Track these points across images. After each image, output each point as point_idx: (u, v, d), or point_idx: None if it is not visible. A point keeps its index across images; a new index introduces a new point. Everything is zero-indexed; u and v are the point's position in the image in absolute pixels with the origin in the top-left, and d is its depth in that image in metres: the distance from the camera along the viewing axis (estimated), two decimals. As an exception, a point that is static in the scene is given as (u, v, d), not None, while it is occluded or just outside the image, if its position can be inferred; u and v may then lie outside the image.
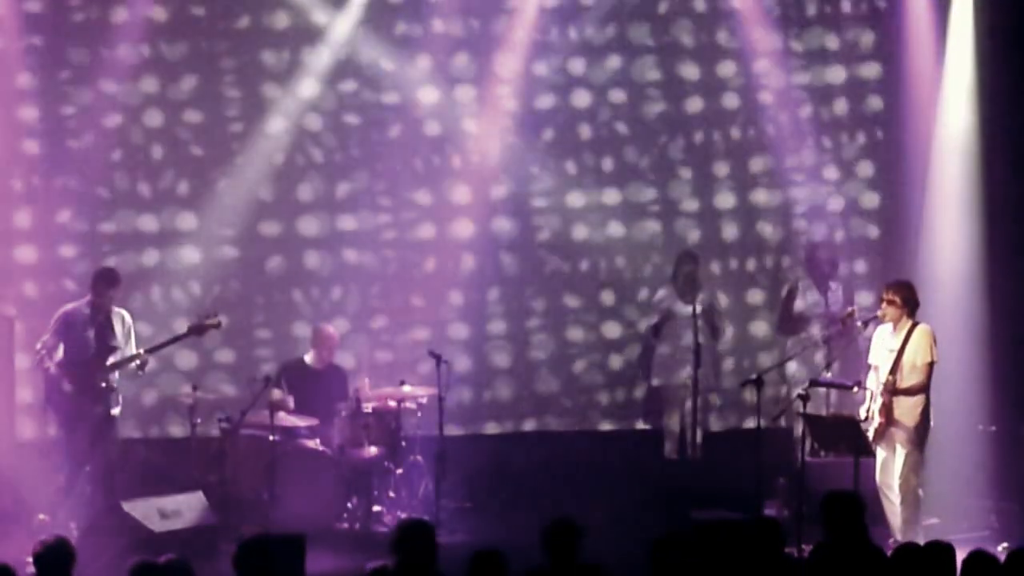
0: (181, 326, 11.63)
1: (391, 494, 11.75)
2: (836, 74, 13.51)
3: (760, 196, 13.47)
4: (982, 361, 12.30)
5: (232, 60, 12.80)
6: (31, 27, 12.41)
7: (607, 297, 13.37)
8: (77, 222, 12.54)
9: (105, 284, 11.19)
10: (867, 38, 13.51)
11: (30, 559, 7.12)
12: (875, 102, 13.54)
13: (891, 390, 10.44)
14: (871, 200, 13.55)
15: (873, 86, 13.53)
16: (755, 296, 13.48)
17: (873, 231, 13.55)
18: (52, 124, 12.50)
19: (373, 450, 11.72)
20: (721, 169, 13.46)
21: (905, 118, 13.19)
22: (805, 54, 13.50)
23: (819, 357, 11.93)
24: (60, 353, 11.13)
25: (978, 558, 6.94)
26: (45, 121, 12.51)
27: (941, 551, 6.98)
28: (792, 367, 12.10)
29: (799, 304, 12.31)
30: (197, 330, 11.36)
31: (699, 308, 12.20)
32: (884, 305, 10.66)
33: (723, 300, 13.03)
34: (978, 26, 12.74)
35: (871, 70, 13.54)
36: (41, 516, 10.96)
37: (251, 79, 12.82)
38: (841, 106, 13.53)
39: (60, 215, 12.52)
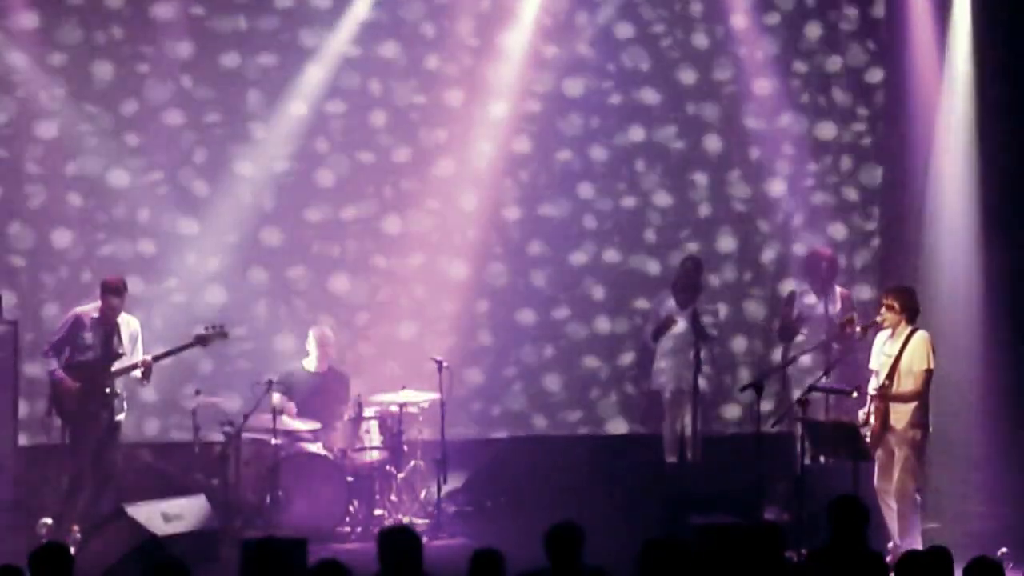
0: (186, 334, 11.66)
1: (393, 498, 11.81)
2: (836, 74, 13.60)
3: (759, 199, 13.53)
4: (984, 364, 12.34)
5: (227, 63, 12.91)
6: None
7: (606, 300, 13.40)
8: (81, 231, 12.61)
9: (112, 292, 11.24)
10: (869, 43, 13.62)
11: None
12: (877, 101, 13.64)
13: (885, 395, 10.47)
14: (872, 201, 13.62)
15: (874, 86, 13.61)
16: (754, 303, 13.54)
17: (873, 233, 13.61)
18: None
19: (375, 454, 11.78)
20: (721, 173, 13.52)
21: (906, 115, 13.24)
22: (806, 51, 13.60)
23: (818, 362, 11.96)
24: (66, 356, 11.20)
25: (981, 564, 6.97)
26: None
27: (940, 556, 7.01)
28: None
29: (798, 310, 12.36)
30: (203, 340, 11.41)
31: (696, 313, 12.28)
32: (883, 310, 10.67)
33: (722, 309, 13.11)
34: (977, 19, 12.80)
35: (874, 75, 13.61)
36: (45, 520, 11.01)
37: (246, 86, 12.86)
38: (841, 102, 13.59)
39: (64, 223, 12.59)
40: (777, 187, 13.51)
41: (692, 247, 13.30)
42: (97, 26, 12.53)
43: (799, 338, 12.28)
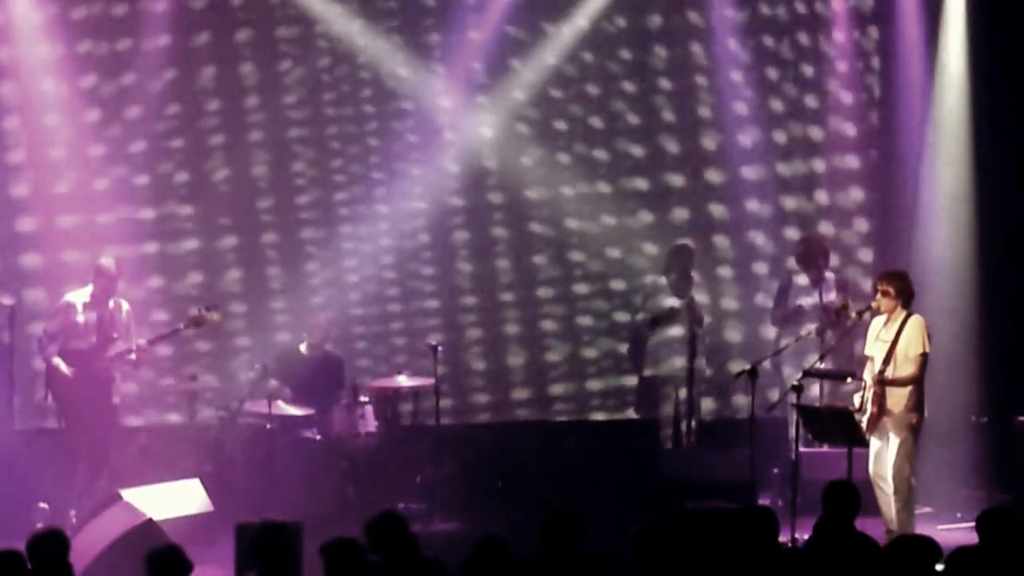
0: (181, 318, 11.68)
1: (388, 483, 11.82)
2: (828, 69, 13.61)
3: (754, 188, 13.54)
4: (975, 351, 12.36)
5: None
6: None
7: (601, 286, 13.42)
8: (78, 213, 12.62)
9: (106, 275, 11.25)
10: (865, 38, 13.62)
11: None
12: (871, 95, 13.64)
13: (882, 380, 10.48)
14: (864, 193, 13.61)
15: (867, 80, 13.60)
16: (751, 290, 13.56)
17: (865, 224, 13.61)
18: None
19: (370, 439, 11.78)
20: (715, 164, 13.53)
21: (898, 109, 13.25)
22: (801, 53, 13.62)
23: (813, 349, 11.97)
24: (60, 342, 11.21)
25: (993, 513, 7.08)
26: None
27: (925, 546, 7.00)
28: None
29: (793, 297, 12.37)
30: (196, 323, 11.43)
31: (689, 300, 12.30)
32: (878, 296, 10.67)
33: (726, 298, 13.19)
34: (970, 15, 12.81)
35: (865, 67, 13.62)
36: (41, 504, 11.03)
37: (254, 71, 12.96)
38: (834, 97, 13.59)
39: (62, 206, 12.60)
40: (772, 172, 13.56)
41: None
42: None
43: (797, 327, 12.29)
